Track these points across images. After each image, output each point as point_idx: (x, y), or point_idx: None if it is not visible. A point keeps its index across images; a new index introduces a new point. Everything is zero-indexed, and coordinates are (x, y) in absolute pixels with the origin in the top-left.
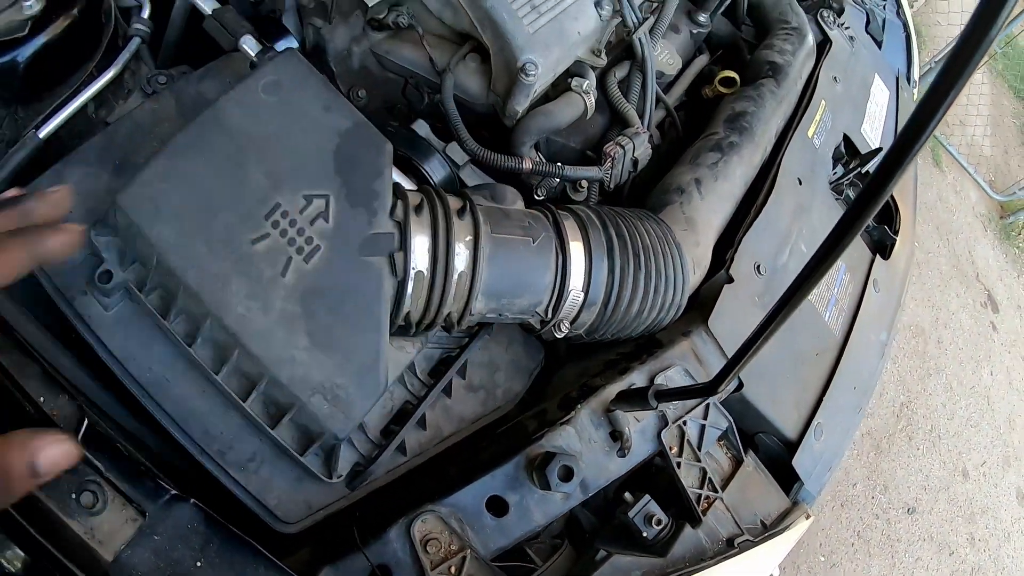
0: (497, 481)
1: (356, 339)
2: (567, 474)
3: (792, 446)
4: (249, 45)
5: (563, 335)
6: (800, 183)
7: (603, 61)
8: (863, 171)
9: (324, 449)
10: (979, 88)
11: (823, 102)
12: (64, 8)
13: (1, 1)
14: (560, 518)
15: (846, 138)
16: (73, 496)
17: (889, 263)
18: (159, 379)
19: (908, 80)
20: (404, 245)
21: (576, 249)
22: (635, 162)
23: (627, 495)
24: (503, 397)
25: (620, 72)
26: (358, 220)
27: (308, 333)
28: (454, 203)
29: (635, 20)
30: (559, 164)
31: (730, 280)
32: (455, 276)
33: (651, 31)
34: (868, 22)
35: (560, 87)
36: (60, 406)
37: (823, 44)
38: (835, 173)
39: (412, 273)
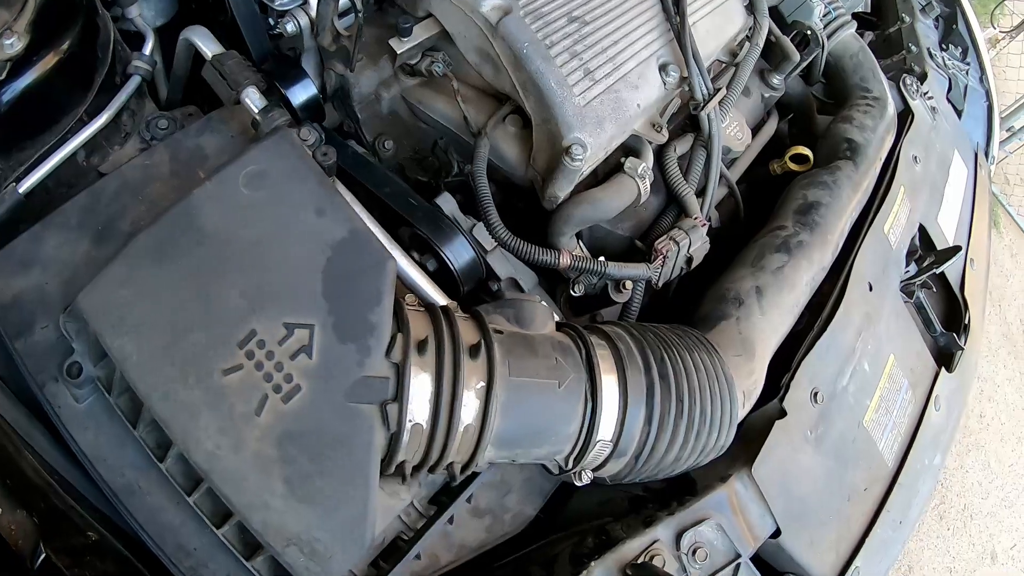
0: None
1: (339, 491)
2: None
3: None
4: (252, 99)
5: (582, 484)
6: (871, 288)
7: (664, 137)
8: (938, 271)
9: None
10: None
11: (902, 188)
12: (51, 45)
13: None
14: None
15: (922, 229)
16: None
17: (954, 377)
18: (131, 485)
19: (987, 156)
20: (400, 394)
21: (610, 394)
22: (689, 259)
23: None
24: (512, 522)
25: (681, 147)
26: (347, 359)
27: (285, 480)
28: (467, 336)
29: (705, 91)
30: (602, 259)
31: (783, 414)
32: (460, 428)
33: (721, 102)
34: (950, 88)
35: (612, 164)
36: (18, 521)
37: (904, 115)
38: (907, 272)
39: (408, 426)
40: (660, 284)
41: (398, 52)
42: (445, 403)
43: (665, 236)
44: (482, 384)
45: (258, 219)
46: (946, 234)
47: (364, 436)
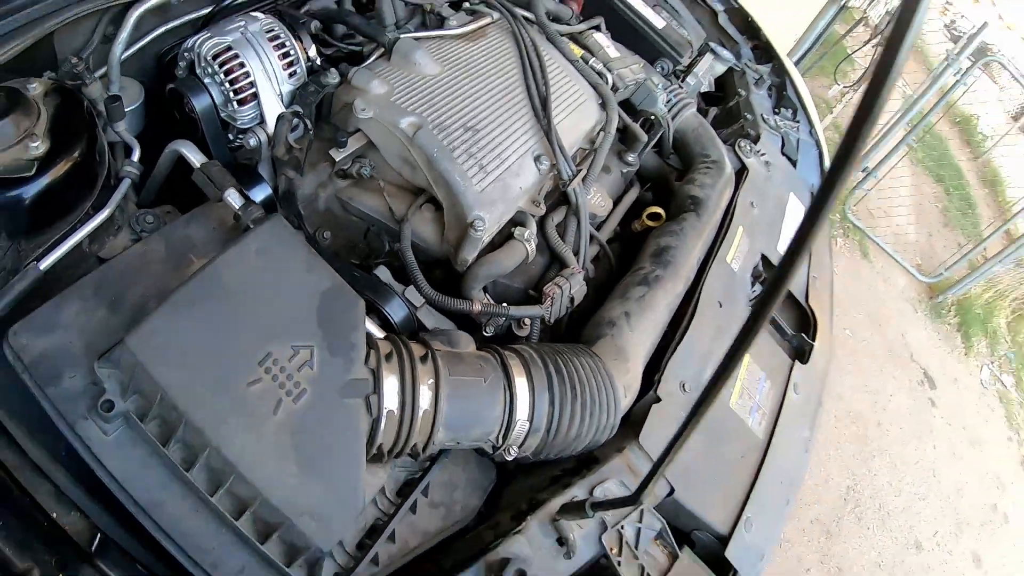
0: None
1: (338, 468)
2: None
3: (724, 540)
4: (233, 198)
5: (512, 458)
6: (720, 306)
7: (542, 210)
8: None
9: (308, 562)
10: (900, 180)
11: (740, 228)
12: (67, 150)
13: (8, 139)
14: None
15: (764, 258)
16: None
17: (808, 367)
18: (156, 500)
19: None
20: (377, 389)
21: (521, 385)
22: (572, 299)
23: None
24: (462, 512)
25: (557, 217)
26: (338, 367)
27: (297, 463)
28: (417, 350)
29: (569, 172)
30: (505, 305)
31: (657, 400)
32: (420, 413)
33: (584, 179)
34: (783, 144)
35: (504, 234)
36: (72, 522)
37: (741, 172)
38: (754, 292)
39: (384, 412)
40: (552, 321)
41: (336, 159)
42: (408, 393)
43: (551, 283)
44: (431, 380)
45: (266, 276)
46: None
47: (354, 422)
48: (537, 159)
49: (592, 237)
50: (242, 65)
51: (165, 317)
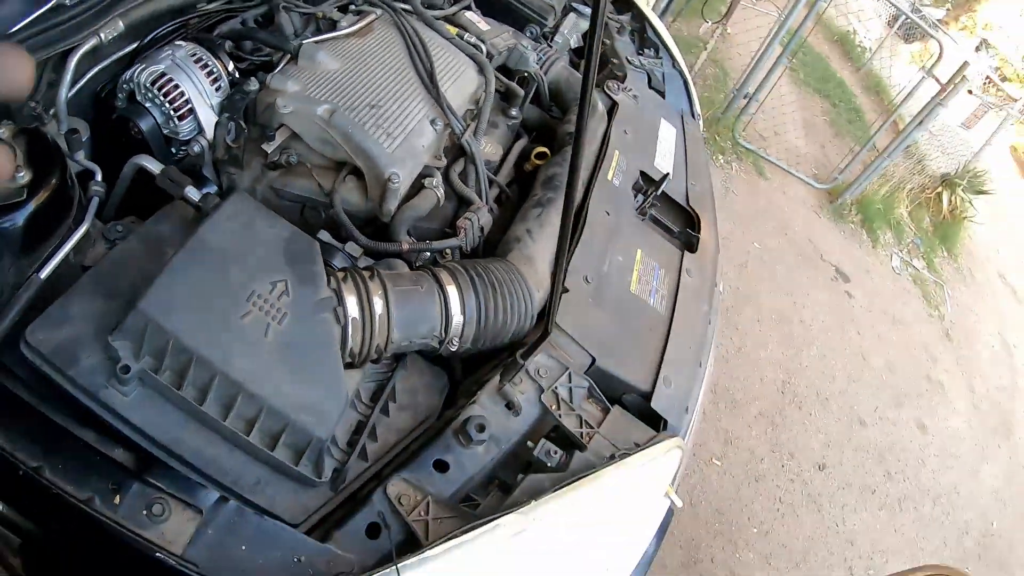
0: (437, 449)
1: (322, 369)
2: (480, 427)
3: (648, 396)
4: (192, 193)
5: (456, 348)
6: (608, 214)
7: (443, 162)
8: (657, 192)
9: (312, 458)
10: (786, 100)
11: (616, 152)
12: (47, 177)
13: None
14: (489, 467)
15: (643, 173)
16: (144, 512)
17: (697, 255)
18: (176, 439)
19: (693, 115)
20: (340, 303)
21: (451, 288)
22: (482, 228)
23: (529, 443)
24: (426, 411)
25: (459, 167)
26: (308, 292)
27: (289, 372)
28: (366, 273)
29: (459, 128)
30: (428, 241)
31: (566, 290)
32: (376, 317)
33: (475, 132)
34: (650, 80)
35: (416, 186)
36: (118, 454)
37: (612, 108)
38: (638, 201)
39: (350, 320)
40: (468, 250)
41: (268, 151)
42: (365, 303)
43: (463, 218)
44: (381, 292)
45: (239, 235)
46: (662, 170)
47: (328, 331)
48: (432, 122)
49: (491, 180)
50: (177, 87)
51: (167, 281)
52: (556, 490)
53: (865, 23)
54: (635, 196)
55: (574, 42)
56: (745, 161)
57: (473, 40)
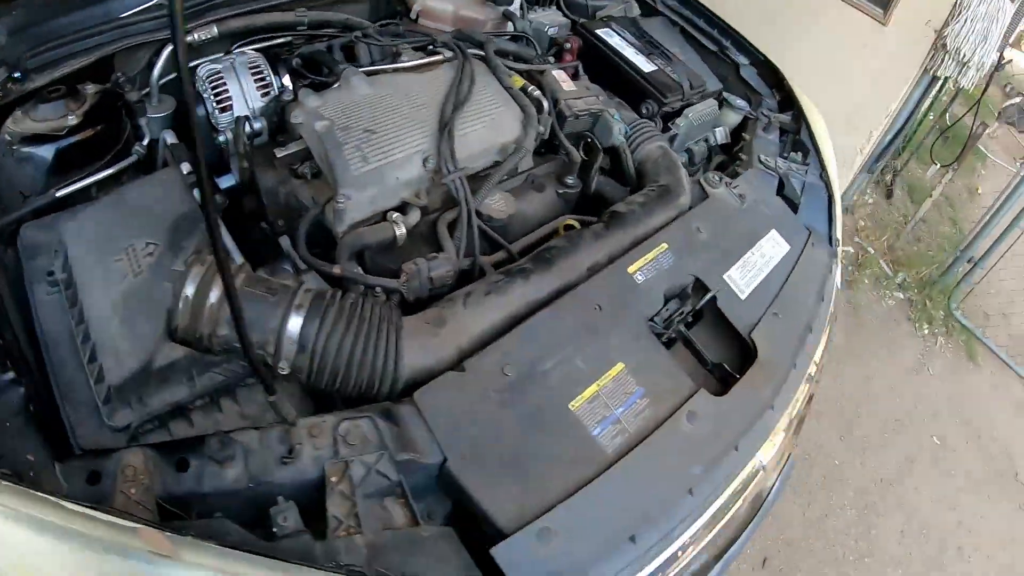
0: (194, 449)
1: (143, 329)
2: (222, 444)
3: (499, 538)
4: (184, 168)
5: (286, 372)
6: (599, 309)
7: (421, 202)
8: (697, 307)
9: (110, 399)
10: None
11: (664, 244)
12: (91, 126)
13: (58, 112)
14: (228, 491)
15: (697, 280)
16: None
17: (726, 403)
18: (57, 339)
19: (830, 240)
20: (183, 280)
21: (299, 308)
22: (431, 279)
23: (280, 498)
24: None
25: (451, 215)
26: (167, 261)
27: (119, 319)
28: (234, 268)
29: (446, 169)
30: (363, 273)
31: (460, 369)
32: (208, 306)
33: (484, 183)
34: (783, 186)
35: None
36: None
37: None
38: (666, 309)
39: (184, 295)
40: (412, 298)
41: (278, 156)
42: (204, 287)
43: (411, 262)
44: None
45: (151, 200)
46: (735, 288)
47: (163, 298)
48: (426, 159)
49: (496, 240)
50: (224, 84)
51: (82, 214)
52: (225, 550)
53: None
54: (665, 302)
55: (720, 137)
56: (956, 338)
57: (536, 94)
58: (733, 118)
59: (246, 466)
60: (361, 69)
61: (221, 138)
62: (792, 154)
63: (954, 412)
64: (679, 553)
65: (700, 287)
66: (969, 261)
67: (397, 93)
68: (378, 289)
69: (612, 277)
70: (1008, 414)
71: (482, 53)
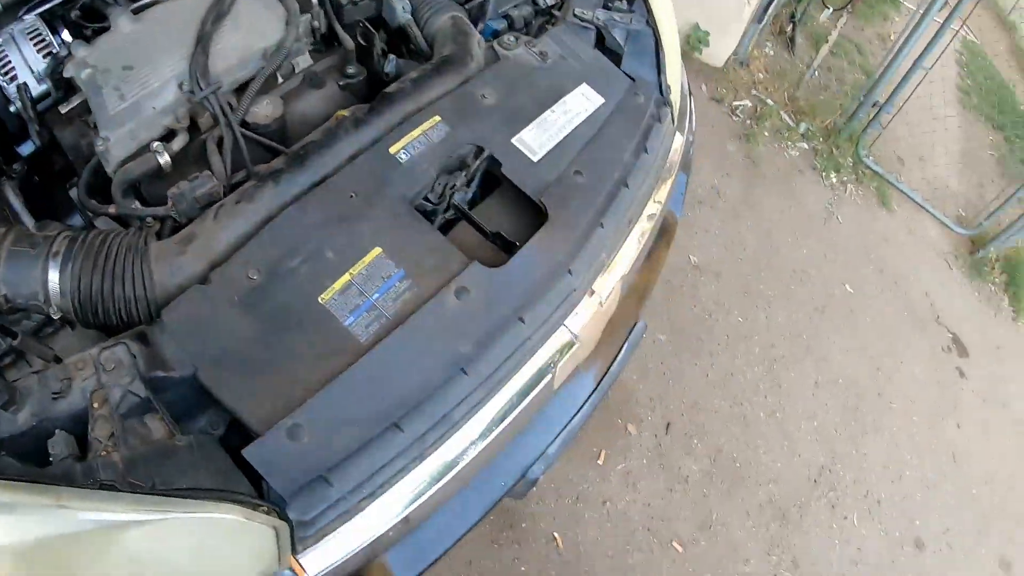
0: None
1: None
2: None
3: (251, 439)
4: None
5: (57, 316)
6: (353, 196)
7: (182, 125)
8: (472, 175)
9: None
10: (944, 123)
11: (437, 117)
12: None
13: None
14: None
15: (478, 149)
16: None
17: (503, 273)
18: None
19: (660, 89)
20: None
21: (55, 257)
22: (197, 199)
23: (58, 431)
24: None
25: (219, 131)
26: None
27: None
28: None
29: (200, 88)
30: (136, 206)
31: (206, 281)
32: None
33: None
34: (602, 39)
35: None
36: None
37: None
38: (439, 184)
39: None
40: (184, 219)
41: (62, 111)
42: None
43: (175, 185)
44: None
45: None
46: (526, 151)
47: None
48: (181, 83)
49: (272, 147)
50: (5, 56)
51: None
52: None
53: None
54: (439, 175)
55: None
56: (867, 184)
57: None
58: None
59: (31, 408)
60: (133, 6)
61: (12, 108)
62: (617, 2)
63: (867, 260)
64: (476, 437)
65: (481, 155)
66: (874, 106)
67: (157, 23)
68: (150, 219)
69: (369, 161)
70: (925, 258)
71: None
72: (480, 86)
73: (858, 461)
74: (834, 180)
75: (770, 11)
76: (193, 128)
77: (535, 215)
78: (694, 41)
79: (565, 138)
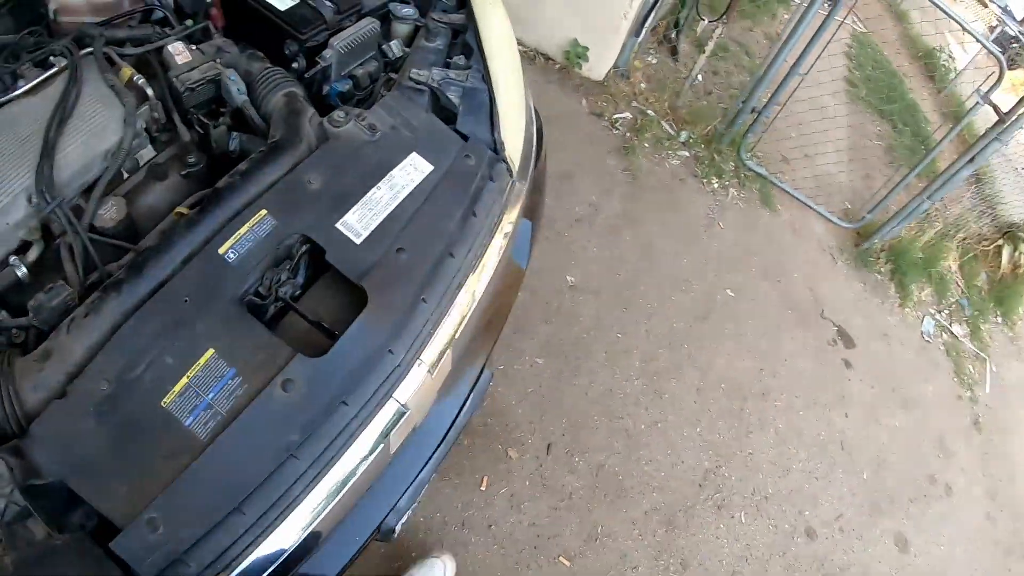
0: None
1: None
2: None
3: (115, 533)
4: None
5: None
6: (187, 301)
7: (35, 237)
8: (295, 266)
9: None
10: (833, 118)
11: (263, 211)
12: None
13: None
14: None
15: (305, 238)
16: None
17: (326, 362)
18: None
19: (495, 143)
20: None
21: None
22: (54, 308)
23: None
24: None
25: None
26: None
27: None
28: None
29: (45, 203)
30: (5, 316)
31: (62, 395)
32: None
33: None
34: (437, 99)
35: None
36: None
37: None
38: (267, 279)
39: None
40: (46, 327)
41: None
42: None
43: (33, 298)
44: None
45: None
46: (350, 235)
47: None
48: (30, 196)
49: (123, 247)
50: None
51: None
52: None
53: (964, 43)
54: (264, 274)
55: (396, 51)
56: (750, 187)
57: (141, 83)
58: (405, 28)
59: None
60: None
61: None
62: (456, 58)
63: (749, 262)
64: (316, 507)
65: (307, 242)
66: (753, 111)
67: (6, 130)
68: (14, 330)
69: (201, 264)
70: (811, 254)
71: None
72: (308, 170)
73: (743, 461)
74: (716, 186)
75: (648, 24)
76: (47, 234)
77: (359, 298)
78: (573, 57)
79: (391, 213)
